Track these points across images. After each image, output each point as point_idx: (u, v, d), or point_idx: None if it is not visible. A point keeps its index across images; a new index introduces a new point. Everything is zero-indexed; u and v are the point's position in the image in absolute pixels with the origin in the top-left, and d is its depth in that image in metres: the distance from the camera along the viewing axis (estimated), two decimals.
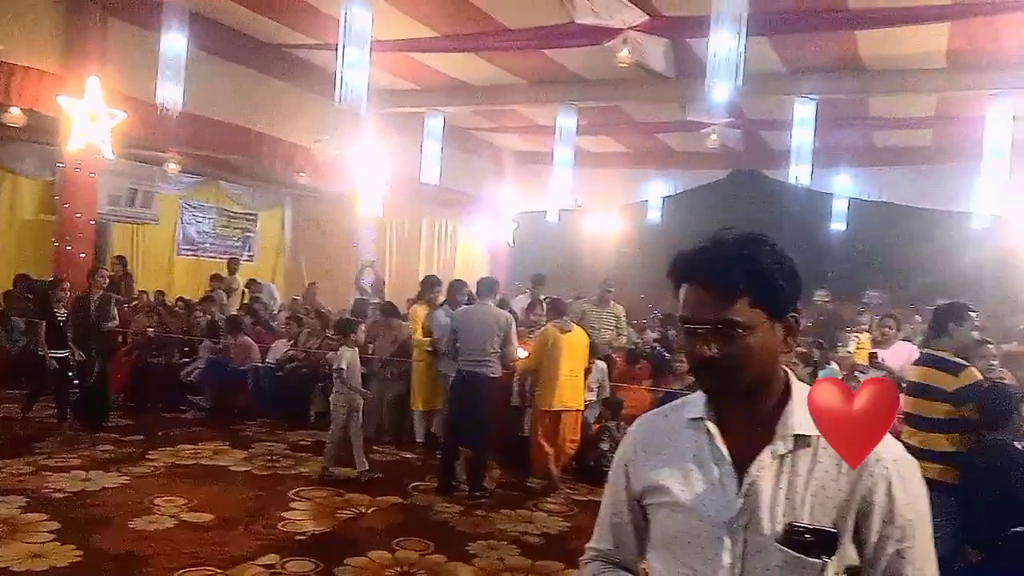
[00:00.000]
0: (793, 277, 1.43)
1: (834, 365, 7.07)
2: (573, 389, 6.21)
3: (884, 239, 13.83)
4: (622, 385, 7.29)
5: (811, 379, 6.99)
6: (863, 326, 8.14)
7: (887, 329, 6.74)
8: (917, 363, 4.37)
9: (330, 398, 6.28)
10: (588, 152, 11.36)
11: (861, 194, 11.23)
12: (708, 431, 1.46)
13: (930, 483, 4.09)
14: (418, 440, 7.16)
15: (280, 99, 8.72)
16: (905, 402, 4.39)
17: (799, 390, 1.46)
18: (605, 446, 6.45)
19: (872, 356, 6.62)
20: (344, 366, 6.10)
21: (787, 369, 1.47)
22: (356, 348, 6.35)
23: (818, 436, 1.41)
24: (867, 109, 9.24)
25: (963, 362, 4.00)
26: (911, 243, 13.52)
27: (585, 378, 6.64)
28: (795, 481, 1.39)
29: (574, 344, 6.25)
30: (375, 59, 6.48)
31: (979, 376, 4.02)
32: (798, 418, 1.42)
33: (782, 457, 1.41)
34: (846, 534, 1.37)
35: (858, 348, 7.24)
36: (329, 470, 6.08)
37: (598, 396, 7.00)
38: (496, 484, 6.32)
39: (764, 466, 1.40)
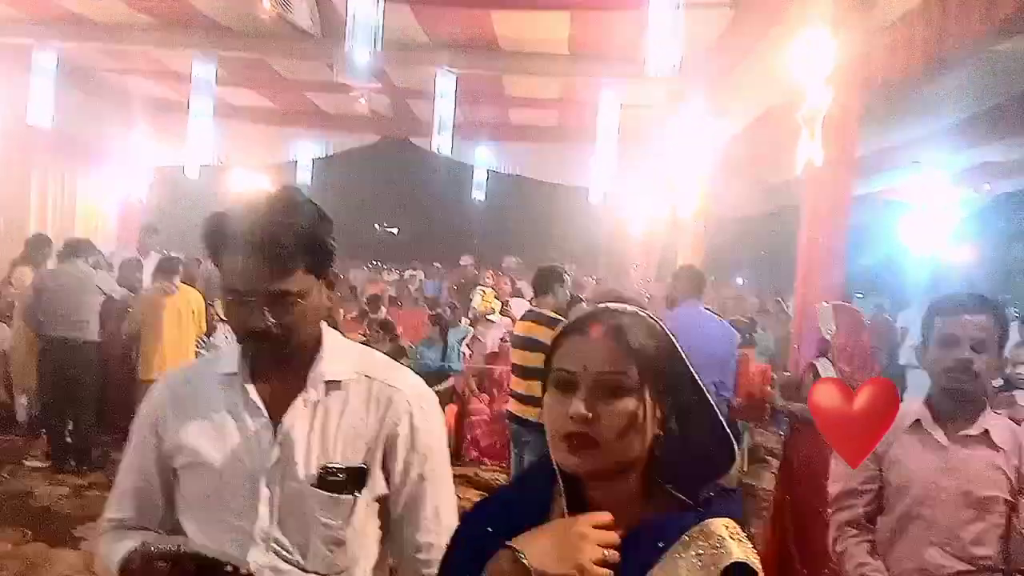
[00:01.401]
0: (331, 232, 1.46)
1: (465, 323, 7.56)
2: (178, 357, 5.85)
3: (520, 210, 15.00)
4: None
5: (442, 338, 7.45)
6: (487, 283, 8.88)
7: (504, 286, 7.44)
8: (522, 319, 4.84)
9: None
10: (231, 105, 10.72)
11: (499, 167, 12.01)
12: (243, 385, 1.45)
13: (532, 425, 4.50)
14: (19, 419, 6.32)
15: None
16: (512, 354, 4.84)
17: (330, 338, 1.51)
18: None
19: (504, 304, 7.30)
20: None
21: (323, 320, 1.52)
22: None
23: (348, 380, 1.48)
24: (502, 87, 9.85)
25: (560, 318, 4.48)
26: (542, 214, 14.84)
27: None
28: (328, 425, 1.44)
29: (179, 307, 5.89)
30: None
31: None
32: (328, 365, 1.47)
33: (315, 404, 1.45)
34: (375, 467, 1.46)
35: (484, 301, 7.88)
36: None
37: None
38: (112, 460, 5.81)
39: (297, 414, 1.43)
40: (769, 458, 7.40)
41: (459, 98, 8.77)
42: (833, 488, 2.34)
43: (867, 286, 11.07)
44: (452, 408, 7.10)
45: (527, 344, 4.47)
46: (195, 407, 1.47)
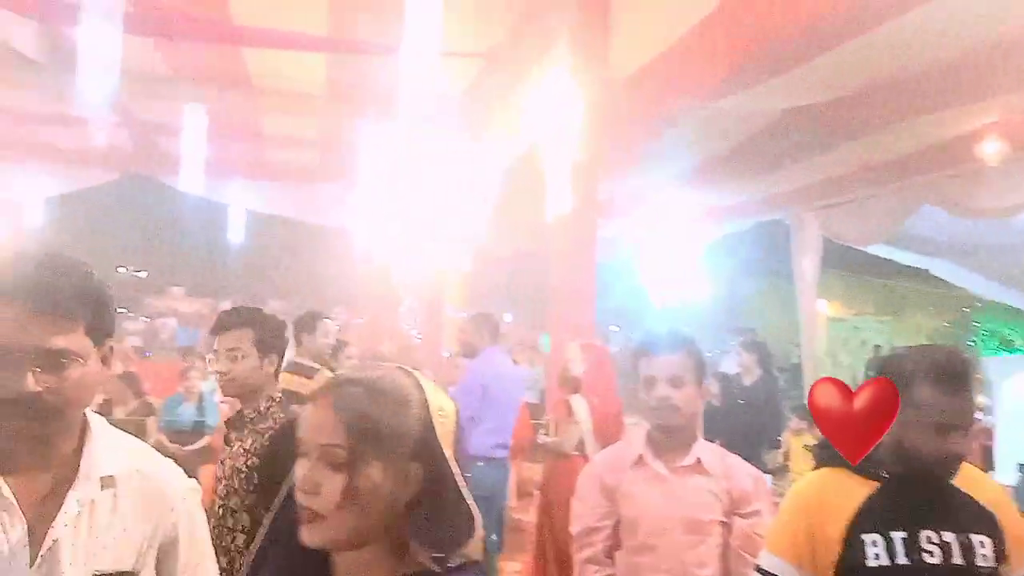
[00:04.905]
0: (112, 304, 1.33)
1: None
2: None
3: (282, 251, 14.51)
4: None
5: (198, 392, 6.99)
6: None
7: None
8: (284, 370, 4.66)
9: None
10: None
11: (256, 207, 11.57)
12: None
13: None
14: None
15: None
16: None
17: (97, 423, 1.35)
18: None
19: None
20: None
21: None
22: None
23: (120, 476, 1.34)
24: (260, 125, 9.54)
25: (316, 366, 4.36)
26: (305, 255, 14.43)
27: None
28: (96, 526, 1.28)
29: None
30: None
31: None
32: (102, 457, 1.30)
33: (89, 503, 1.30)
34: (145, 569, 1.32)
35: None
36: None
37: None
38: None
39: (67, 517, 1.26)
40: (536, 492, 7.59)
41: (210, 135, 8.36)
42: (574, 527, 2.46)
43: (619, 322, 11.87)
44: (209, 468, 6.63)
45: (288, 398, 4.30)
46: None
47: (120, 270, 20.16)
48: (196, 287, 15.03)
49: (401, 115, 5.95)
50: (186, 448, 6.59)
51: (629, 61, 5.62)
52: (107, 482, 1.29)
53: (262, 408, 2.74)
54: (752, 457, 7.42)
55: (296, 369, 4.37)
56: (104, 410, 6.58)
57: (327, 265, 13.56)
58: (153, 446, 5.27)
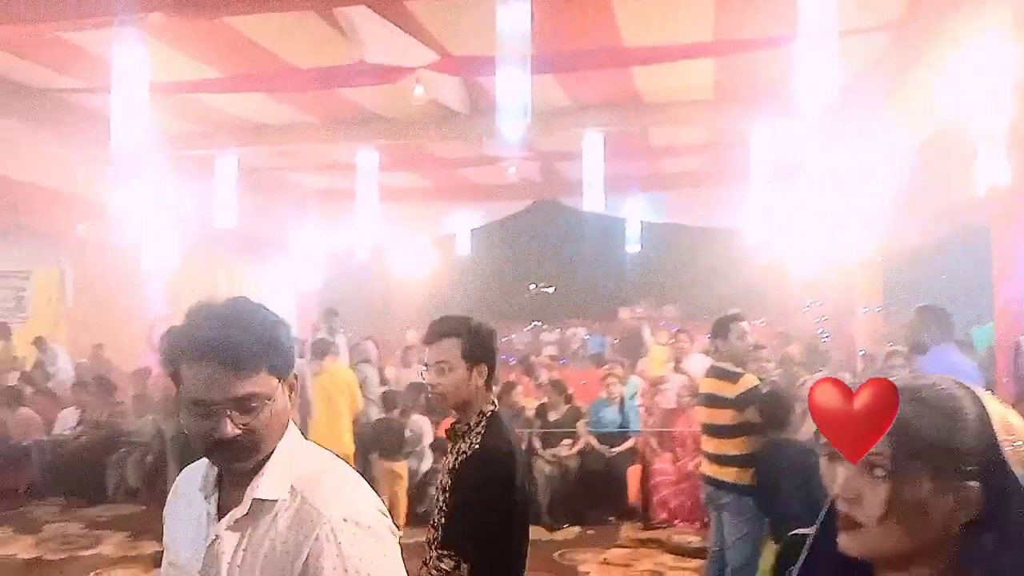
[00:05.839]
0: (289, 334, 1.46)
1: (635, 379, 7.44)
2: (331, 433, 5.91)
3: (674, 257, 14.80)
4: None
5: (618, 396, 7.35)
6: (661, 342, 8.66)
7: (682, 345, 7.21)
8: (706, 375, 4.70)
9: None
10: (390, 188, 11.30)
11: (651, 217, 11.94)
12: (204, 497, 1.48)
13: (728, 486, 4.35)
14: None
15: (50, 147, 8.03)
16: (698, 412, 4.70)
17: (284, 449, 1.46)
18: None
19: (677, 363, 7.10)
20: None
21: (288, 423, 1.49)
22: None
23: (279, 499, 1.43)
24: (648, 139, 9.86)
25: (740, 370, 4.33)
26: (697, 259, 14.55)
27: None
28: (253, 544, 1.41)
29: (328, 387, 6.08)
30: (154, 101, 6.11)
31: (756, 381, 4.37)
32: (266, 481, 1.42)
33: (242, 522, 1.42)
34: None
35: (654, 364, 7.68)
36: None
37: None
38: None
39: (222, 532, 1.42)
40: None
41: (606, 155, 8.83)
42: None
43: None
44: (635, 469, 6.96)
45: (712, 401, 4.34)
46: (179, 505, 1.54)
47: (530, 287, 22.25)
48: (598, 298, 16.02)
49: (800, 106, 5.70)
50: (613, 450, 7.02)
51: None
52: (261, 505, 1.40)
53: (472, 423, 2.50)
54: None
55: (718, 374, 4.39)
56: (539, 413, 7.24)
57: (720, 268, 13.52)
58: (584, 448, 5.54)
